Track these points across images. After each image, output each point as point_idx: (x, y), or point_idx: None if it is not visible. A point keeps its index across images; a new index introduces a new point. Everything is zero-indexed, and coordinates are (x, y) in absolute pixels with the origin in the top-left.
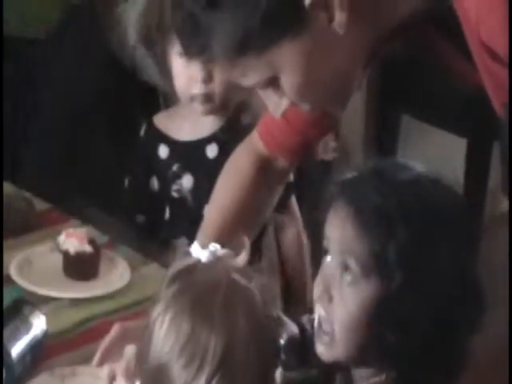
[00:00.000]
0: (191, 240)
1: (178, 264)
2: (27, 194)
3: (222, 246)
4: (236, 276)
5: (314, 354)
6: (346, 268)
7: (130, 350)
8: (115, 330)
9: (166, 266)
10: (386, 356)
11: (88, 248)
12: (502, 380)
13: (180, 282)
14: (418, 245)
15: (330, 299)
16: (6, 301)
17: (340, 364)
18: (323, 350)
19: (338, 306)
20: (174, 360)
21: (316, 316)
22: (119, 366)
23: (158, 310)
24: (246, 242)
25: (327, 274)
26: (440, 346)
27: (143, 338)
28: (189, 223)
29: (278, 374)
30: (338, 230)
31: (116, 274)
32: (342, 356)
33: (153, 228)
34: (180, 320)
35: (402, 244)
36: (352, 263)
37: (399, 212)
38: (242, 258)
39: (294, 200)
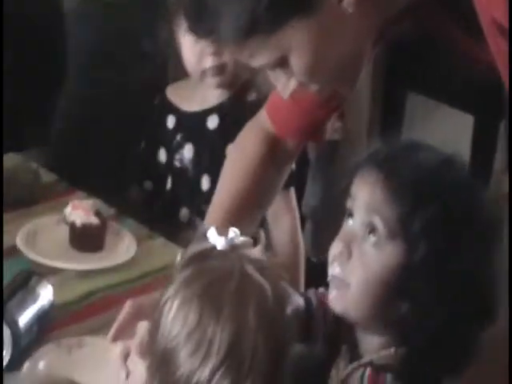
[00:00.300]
0: (192, 211)
1: (194, 247)
2: (34, 166)
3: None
4: (250, 268)
5: (320, 328)
6: (371, 229)
7: (142, 326)
8: (128, 306)
9: (171, 239)
10: (398, 327)
11: (94, 220)
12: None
13: (193, 267)
14: (445, 221)
15: (350, 256)
16: (13, 272)
17: (348, 327)
18: (336, 299)
19: (356, 264)
20: (180, 345)
21: (330, 275)
22: (133, 343)
23: (168, 292)
24: (262, 235)
25: (349, 232)
26: (454, 328)
27: (153, 318)
28: (189, 194)
29: None
30: (367, 191)
31: (122, 247)
32: (354, 311)
33: (157, 198)
34: (188, 307)
35: (429, 217)
36: (379, 224)
37: (430, 186)
38: (258, 250)
39: (292, 189)
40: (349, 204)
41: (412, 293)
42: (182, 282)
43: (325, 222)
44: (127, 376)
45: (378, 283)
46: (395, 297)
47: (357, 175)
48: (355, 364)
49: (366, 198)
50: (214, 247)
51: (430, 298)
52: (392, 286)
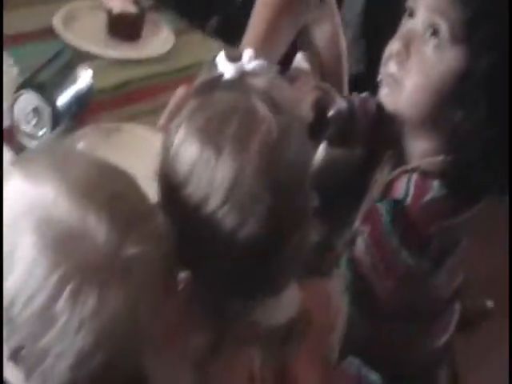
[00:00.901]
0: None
1: (204, 76)
2: None
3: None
4: (257, 102)
5: (361, 129)
6: (433, 31)
7: None
8: (179, 93)
9: (209, 35)
10: (450, 133)
11: (132, 8)
12: None
13: (199, 98)
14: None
15: (408, 57)
16: (51, 53)
17: (393, 132)
18: (388, 96)
19: (415, 66)
20: (184, 181)
21: (383, 73)
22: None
23: (174, 124)
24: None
25: (409, 32)
26: (500, 146)
27: (163, 146)
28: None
29: (322, 149)
30: None
31: (160, 39)
32: (406, 111)
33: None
34: (190, 141)
35: (497, 26)
36: (443, 26)
37: None
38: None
39: None
40: (410, 3)
41: (469, 101)
42: (187, 113)
43: (368, 31)
44: None
45: (434, 87)
46: (451, 103)
47: None
48: (402, 168)
49: None
50: (222, 76)
51: (485, 110)
52: (449, 91)
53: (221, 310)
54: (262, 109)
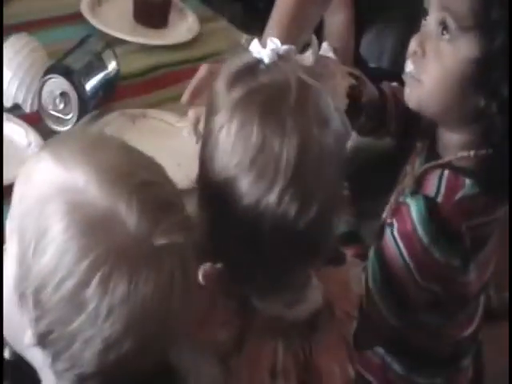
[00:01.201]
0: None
1: (234, 64)
2: None
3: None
4: (305, 77)
5: (392, 118)
6: (444, 27)
7: None
8: (202, 69)
9: (234, 23)
10: (478, 124)
11: None
12: None
13: (243, 86)
14: None
15: (423, 54)
16: (78, 38)
17: (425, 125)
18: (409, 95)
19: (431, 61)
20: (242, 174)
21: (404, 74)
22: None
23: (221, 119)
24: (314, 39)
25: (424, 32)
26: None
27: (206, 150)
28: None
29: (352, 138)
30: None
31: (185, 26)
32: (428, 106)
33: None
34: (249, 130)
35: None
36: (449, 20)
37: None
38: (309, 56)
39: None
40: (425, 3)
41: (489, 85)
42: (236, 104)
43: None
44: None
45: (453, 77)
46: (472, 90)
47: None
48: (433, 163)
49: None
50: (260, 61)
51: (506, 91)
52: (468, 79)
53: (248, 303)
54: (313, 81)
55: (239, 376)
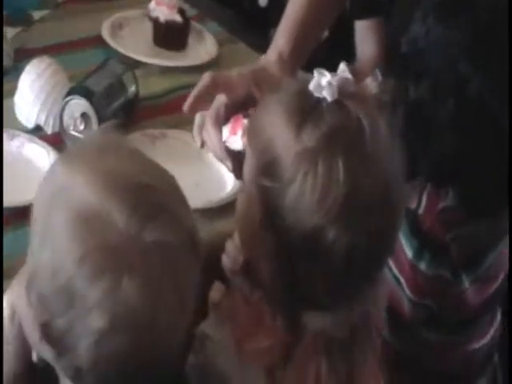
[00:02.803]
0: None
1: (285, 102)
2: None
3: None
4: (373, 112)
5: None
6: None
7: (220, 98)
8: (206, 77)
9: (252, 46)
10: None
11: (178, 17)
12: None
13: (314, 131)
14: None
15: None
16: (99, 61)
17: None
18: None
19: None
20: (330, 223)
21: None
22: (208, 113)
23: (296, 167)
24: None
25: None
26: None
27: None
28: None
29: None
30: None
31: (203, 48)
32: None
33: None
34: (335, 178)
35: None
36: None
37: None
38: (371, 83)
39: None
40: None
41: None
42: (313, 151)
43: None
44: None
45: None
46: None
47: None
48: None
49: None
50: (321, 99)
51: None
52: None
53: (298, 319)
54: (372, 123)
55: None
